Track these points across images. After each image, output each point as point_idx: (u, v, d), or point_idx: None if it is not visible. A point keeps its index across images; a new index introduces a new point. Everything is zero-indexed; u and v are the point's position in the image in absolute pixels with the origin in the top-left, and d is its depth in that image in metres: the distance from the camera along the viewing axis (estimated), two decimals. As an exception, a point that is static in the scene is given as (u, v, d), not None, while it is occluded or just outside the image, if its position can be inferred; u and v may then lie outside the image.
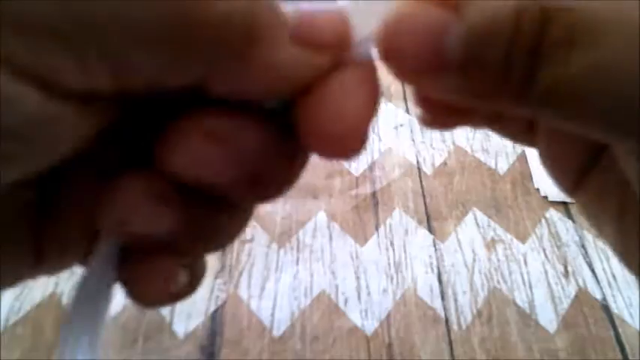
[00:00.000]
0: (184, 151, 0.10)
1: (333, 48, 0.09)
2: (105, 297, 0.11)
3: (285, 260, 0.28)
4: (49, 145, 0.08)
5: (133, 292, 0.11)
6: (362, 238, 0.29)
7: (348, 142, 0.10)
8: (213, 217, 0.11)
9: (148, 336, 0.24)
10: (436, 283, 0.27)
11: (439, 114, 0.12)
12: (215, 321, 0.25)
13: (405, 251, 0.28)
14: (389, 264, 0.28)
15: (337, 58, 0.09)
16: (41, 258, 0.11)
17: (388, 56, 0.09)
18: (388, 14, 0.09)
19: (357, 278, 0.27)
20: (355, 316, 0.26)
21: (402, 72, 0.09)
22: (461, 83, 0.09)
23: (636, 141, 0.09)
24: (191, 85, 0.09)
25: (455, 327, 0.25)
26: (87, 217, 0.10)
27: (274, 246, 0.28)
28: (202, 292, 0.26)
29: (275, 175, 0.11)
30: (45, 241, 0.11)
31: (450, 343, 0.25)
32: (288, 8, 0.09)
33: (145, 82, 0.08)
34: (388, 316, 0.26)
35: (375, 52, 0.10)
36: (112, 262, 0.11)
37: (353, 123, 0.10)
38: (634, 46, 0.08)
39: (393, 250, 0.28)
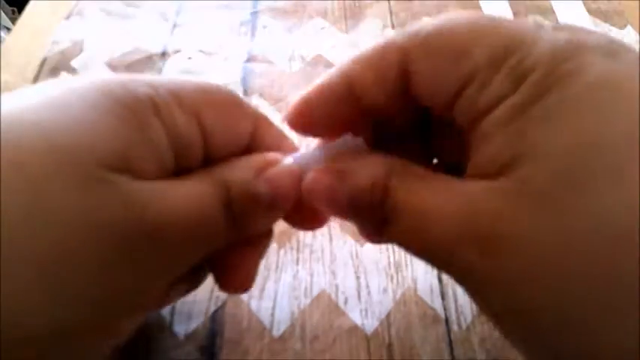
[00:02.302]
0: (244, 281, 0.18)
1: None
2: None
3: (285, 260, 0.28)
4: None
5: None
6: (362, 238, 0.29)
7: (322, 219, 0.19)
8: None
9: (148, 336, 0.24)
10: (436, 283, 0.27)
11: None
12: (215, 321, 0.25)
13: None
14: (389, 264, 0.28)
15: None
16: None
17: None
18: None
19: (357, 278, 0.27)
20: (355, 316, 0.26)
21: (328, 211, 0.17)
22: (353, 219, 0.16)
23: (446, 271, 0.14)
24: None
25: (455, 327, 0.25)
26: None
27: (274, 246, 0.28)
28: (202, 293, 0.26)
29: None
30: None
31: (450, 343, 0.25)
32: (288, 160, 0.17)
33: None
34: (388, 316, 0.26)
35: None
36: None
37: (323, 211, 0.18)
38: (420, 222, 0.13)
39: (393, 249, 0.28)
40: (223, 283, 0.18)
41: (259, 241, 0.18)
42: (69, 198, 0.12)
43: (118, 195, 0.12)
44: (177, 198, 0.14)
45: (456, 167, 0.15)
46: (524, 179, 0.11)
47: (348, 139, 0.17)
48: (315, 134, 0.17)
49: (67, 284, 0.12)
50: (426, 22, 0.14)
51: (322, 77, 0.15)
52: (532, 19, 0.15)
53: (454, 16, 0.13)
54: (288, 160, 0.17)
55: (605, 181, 0.10)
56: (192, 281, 0.18)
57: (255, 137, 0.17)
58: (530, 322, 0.12)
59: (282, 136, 0.18)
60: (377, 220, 0.14)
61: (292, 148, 0.18)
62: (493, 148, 0.12)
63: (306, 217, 0.18)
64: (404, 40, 0.14)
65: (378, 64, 0.14)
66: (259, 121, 0.17)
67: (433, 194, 0.13)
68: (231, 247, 0.16)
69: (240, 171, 0.16)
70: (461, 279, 0.13)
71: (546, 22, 0.13)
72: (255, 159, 0.16)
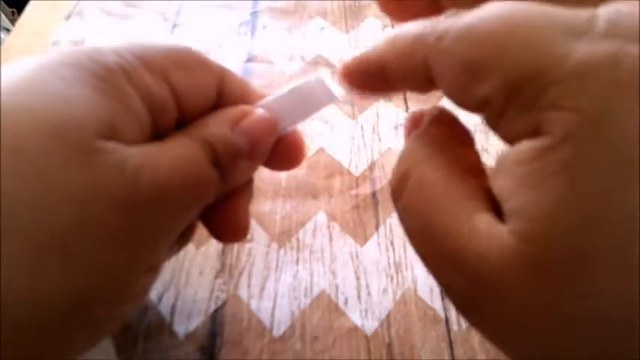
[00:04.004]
0: (240, 229, 0.18)
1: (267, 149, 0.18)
2: None
3: (285, 260, 0.28)
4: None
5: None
6: (362, 238, 0.29)
7: (302, 154, 0.19)
8: None
9: (148, 336, 0.24)
10: (436, 283, 0.27)
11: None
12: (215, 321, 0.25)
13: (405, 251, 0.28)
14: (389, 264, 0.28)
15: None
16: None
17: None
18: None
19: (357, 278, 0.27)
20: (355, 316, 0.26)
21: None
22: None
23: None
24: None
25: (455, 327, 0.25)
26: None
27: (274, 246, 0.28)
28: (202, 292, 0.26)
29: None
30: None
31: (450, 343, 0.25)
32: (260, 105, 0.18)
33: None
34: (388, 316, 0.26)
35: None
36: None
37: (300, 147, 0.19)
38: None
39: (393, 250, 0.28)
40: (221, 236, 0.18)
41: (243, 188, 0.19)
42: (72, 172, 0.12)
43: (115, 162, 0.13)
44: (166, 160, 0.14)
45: None
46: (525, 239, 0.10)
47: (312, 81, 0.17)
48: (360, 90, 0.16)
49: (84, 255, 0.12)
50: (457, 22, 0.12)
51: (370, 47, 0.15)
52: (589, 12, 0.12)
53: (491, 11, 0.11)
54: (260, 109, 0.17)
55: (604, 267, 0.09)
56: (182, 238, 0.19)
57: (223, 90, 0.18)
58: None
59: (247, 85, 0.19)
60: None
61: (259, 95, 0.18)
62: (505, 186, 0.11)
63: (283, 157, 0.19)
64: (429, 44, 0.12)
65: (406, 62, 0.13)
66: (224, 74, 0.18)
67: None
68: (219, 200, 0.17)
69: (217, 126, 0.16)
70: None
71: (603, 14, 0.10)
72: (229, 112, 0.17)
